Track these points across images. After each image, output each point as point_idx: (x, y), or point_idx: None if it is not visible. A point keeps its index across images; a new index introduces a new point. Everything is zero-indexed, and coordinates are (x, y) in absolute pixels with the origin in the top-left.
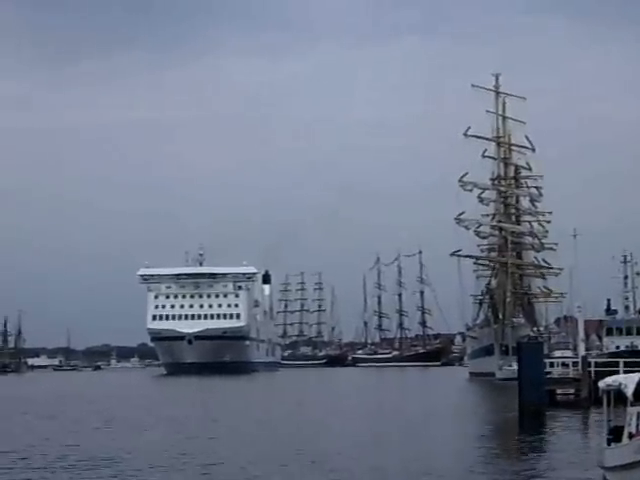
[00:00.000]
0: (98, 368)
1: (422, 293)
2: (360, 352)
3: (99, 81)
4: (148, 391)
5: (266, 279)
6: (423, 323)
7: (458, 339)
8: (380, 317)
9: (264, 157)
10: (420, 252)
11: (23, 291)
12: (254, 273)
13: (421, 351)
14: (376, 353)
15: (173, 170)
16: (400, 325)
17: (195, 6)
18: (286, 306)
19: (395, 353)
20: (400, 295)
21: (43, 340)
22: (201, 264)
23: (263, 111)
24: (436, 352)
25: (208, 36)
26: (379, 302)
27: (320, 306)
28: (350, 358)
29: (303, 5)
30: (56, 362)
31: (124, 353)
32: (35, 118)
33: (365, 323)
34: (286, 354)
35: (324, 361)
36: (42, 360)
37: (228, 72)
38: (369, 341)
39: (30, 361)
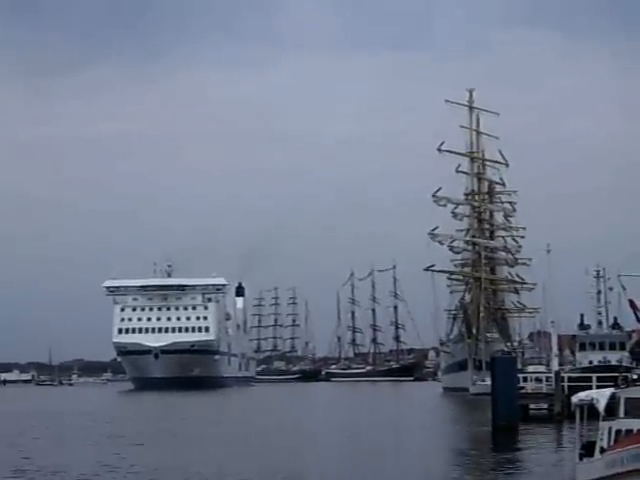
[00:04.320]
0: (60, 384)
1: (396, 308)
2: (334, 367)
3: (79, 94)
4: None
5: (239, 292)
6: (397, 338)
7: (432, 354)
8: (354, 332)
9: (244, 169)
10: (394, 267)
11: None
12: (224, 285)
13: (395, 366)
14: (350, 368)
15: (154, 181)
16: (374, 340)
17: (173, 19)
18: (260, 321)
19: (369, 368)
20: (374, 310)
21: (18, 354)
22: (170, 275)
23: (242, 123)
24: (410, 367)
25: (186, 49)
26: (353, 317)
27: (294, 321)
28: (324, 373)
29: (282, 18)
30: (29, 377)
31: (97, 368)
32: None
33: (339, 338)
34: (260, 369)
35: (298, 376)
36: (15, 375)
37: (207, 85)
38: (343, 356)
39: (3, 376)
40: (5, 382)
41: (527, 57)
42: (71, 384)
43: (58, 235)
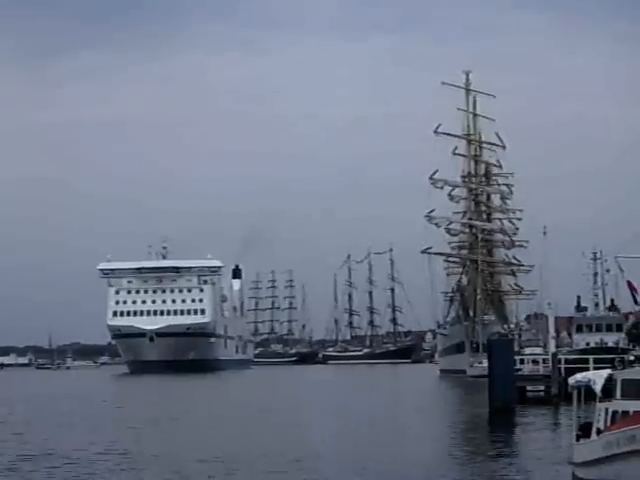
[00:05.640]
0: (58, 367)
1: (393, 290)
2: (331, 349)
3: (77, 78)
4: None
5: (236, 274)
6: (394, 320)
7: (429, 336)
8: (351, 314)
9: (242, 152)
10: (391, 250)
11: None
12: (219, 267)
13: (392, 348)
14: (347, 350)
15: (155, 163)
16: (371, 322)
17: (172, 3)
18: (257, 304)
19: (366, 350)
20: (371, 292)
21: (15, 338)
22: (165, 257)
23: (240, 106)
24: (407, 349)
25: (185, 33)
26: (350, 299)
27: (291, 304)
28: (321, 356)
29: (281, 1)
30: (26, 360)
31: (94, 351)
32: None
33: (336, 321)
34: (257, 352)
35: (295, 359)
36: (12, 358)
37: (205, 69)
38: (340, 338)
39: (0, 359)
40: (2, 366)
41: (525, 39)
42: (68, 367)
43: (56, 218)
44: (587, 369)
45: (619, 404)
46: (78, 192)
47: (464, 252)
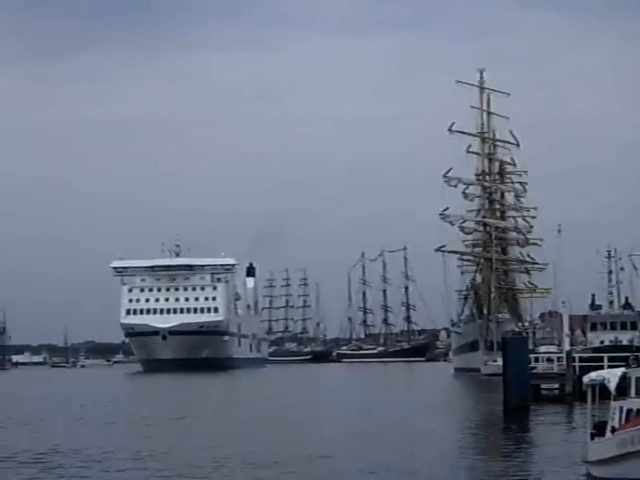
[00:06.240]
0: (74, 365)
1: (407, 289)
2: (345, 348)
3: (80, 78)
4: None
5: (250, 272)
6: (408, 319)
7: (443, 334)
8: (365, 313)
9: (251, 151)
10: (405, 248)
11: (6, 284)
12: (233, 265)
13: (406, 347)
14: (361, 349)
15: (160, 163)
16: (385, 321)
17: (177, 1)
18: (271, 302)
19: (380, 349)
20: (385, 291)
21: (31, 336)
22: (178, 255)
23: (248, 105)
24: (421, 348)
25: (192, 32)
26: (364, 298)
27: (305, 302)
28: (335, 354)
29: None
30: (40, 359)
31: (109, 349)
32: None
33: (350, 319)
34: (271, 350)
35: (309, 357)
36: (27, 357)
37: (212, 67)
38: (354, 337)
39: (15, 358)
40: (17, 364)
41: (537, 38)
42: (83, 366)
43: (59, 217)
44: (601, 367)
45: (634, 402)
46: (79, 192)
47: (478, 250)
